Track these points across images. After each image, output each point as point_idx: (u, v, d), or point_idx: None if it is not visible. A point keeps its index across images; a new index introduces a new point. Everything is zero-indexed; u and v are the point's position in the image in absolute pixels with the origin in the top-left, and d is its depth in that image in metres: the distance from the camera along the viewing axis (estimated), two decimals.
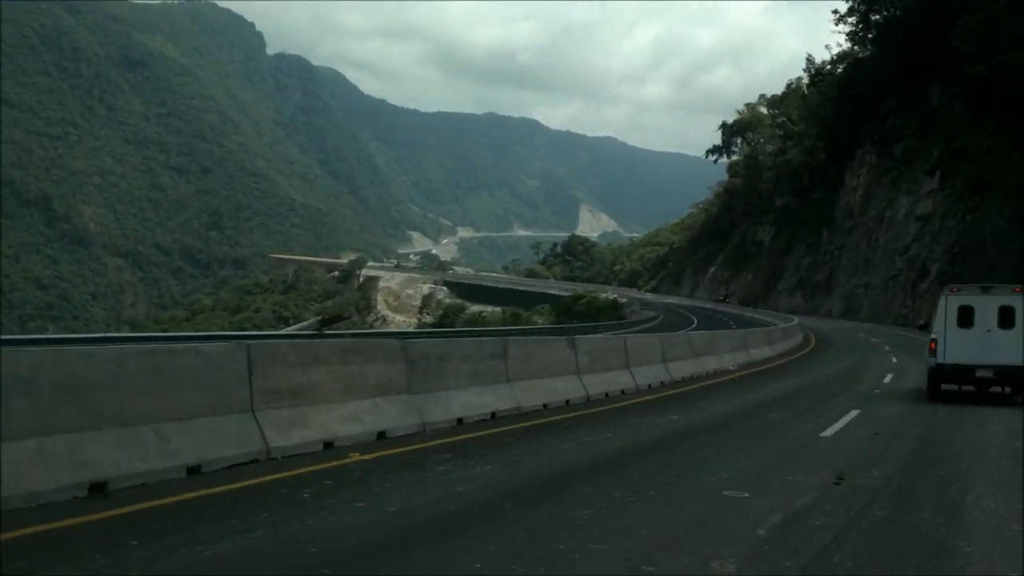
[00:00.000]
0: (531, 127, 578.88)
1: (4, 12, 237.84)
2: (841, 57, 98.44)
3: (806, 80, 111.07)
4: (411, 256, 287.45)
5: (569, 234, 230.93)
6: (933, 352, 18.20)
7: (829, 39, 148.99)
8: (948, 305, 18.26)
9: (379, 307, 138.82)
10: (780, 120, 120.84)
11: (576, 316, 75.17)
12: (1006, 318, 17.71)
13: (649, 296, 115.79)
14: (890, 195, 73.24)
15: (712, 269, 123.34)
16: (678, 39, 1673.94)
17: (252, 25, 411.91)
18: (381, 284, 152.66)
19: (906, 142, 73.97)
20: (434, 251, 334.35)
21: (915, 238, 65.50)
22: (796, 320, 53.85)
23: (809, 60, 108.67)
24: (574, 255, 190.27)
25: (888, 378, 24.54)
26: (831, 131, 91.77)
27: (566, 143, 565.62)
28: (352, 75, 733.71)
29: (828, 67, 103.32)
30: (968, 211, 57.37)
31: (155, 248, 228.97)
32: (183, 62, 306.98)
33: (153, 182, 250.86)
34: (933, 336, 18.35)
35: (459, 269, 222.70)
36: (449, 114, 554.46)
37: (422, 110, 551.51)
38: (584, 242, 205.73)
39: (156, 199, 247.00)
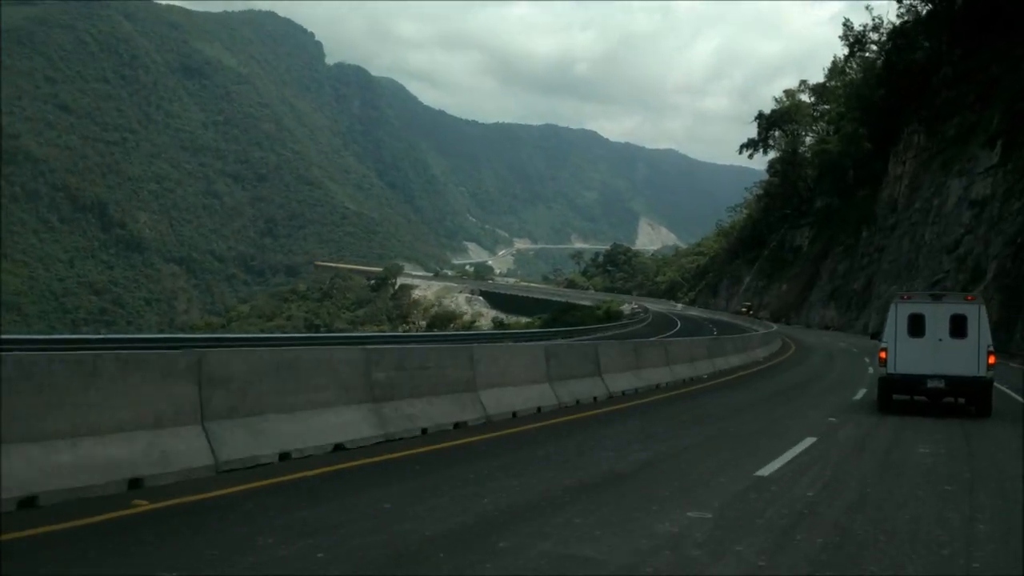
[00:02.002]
0: (590, 138, 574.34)
1: (63, 17, 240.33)
2: (890, 33, 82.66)
3: (844, 51, 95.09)
4: (466, 267, 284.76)
5: (611, 244, 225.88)
6: (883, 362, 17.77)
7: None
8: (898, 313, 17.70)
9: (413, 316, 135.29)
10: (821, 108, 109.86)
11: (565, 323, 74.87)
12: (958, 327, 17.23)
13: (678, 307, 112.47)
14: (939, 180, 61.23)
15: (747, 279, 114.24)
16: (740, 49, 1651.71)
17: (311, 35, 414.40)
18: (416, 293, 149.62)
19: (961, 117, 61.97)
20: (489, 262, 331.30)
21: (968, 229, 53.59)
22: (775, 327, 55.63)
23: (847, 26, 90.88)
24: (616, 265, 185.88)
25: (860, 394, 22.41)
26: (875, 113, 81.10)
27: (625, 155, 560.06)
28: (411, 86, 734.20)
29: (870, 34, 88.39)
30: None
31: (209, 255, 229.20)
32: (241, 70, 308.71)
33: (208, 189, 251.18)
34: (883, 345, 17.78)
35: (499, 279, 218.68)
36: (507, 125, 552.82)
37: (480, 121, 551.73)
38: (626, 252, 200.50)
39: (211, 206, 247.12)
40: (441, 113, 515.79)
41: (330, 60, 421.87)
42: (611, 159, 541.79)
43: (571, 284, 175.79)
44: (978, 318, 17.19)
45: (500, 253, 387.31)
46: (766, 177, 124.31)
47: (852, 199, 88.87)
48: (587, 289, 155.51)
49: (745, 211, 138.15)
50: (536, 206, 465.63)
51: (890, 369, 17.60)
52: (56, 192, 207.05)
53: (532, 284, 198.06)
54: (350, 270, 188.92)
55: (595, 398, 17.24)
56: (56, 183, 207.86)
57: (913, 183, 68.82)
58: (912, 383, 17.61)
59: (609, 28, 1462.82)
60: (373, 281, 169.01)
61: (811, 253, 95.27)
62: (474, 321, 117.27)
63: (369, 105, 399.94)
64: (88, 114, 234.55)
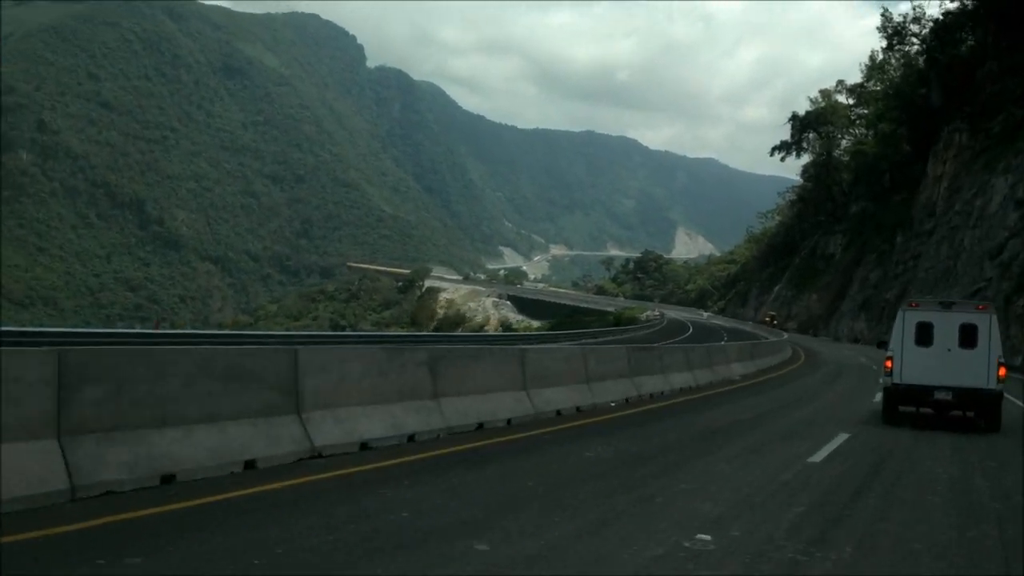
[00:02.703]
0: (629, 146, 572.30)
1: (106, 15, 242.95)
2: (932, 27, 77.65)
3: (883, 44, 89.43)
4: (500, 271, 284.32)
5: (642, 251, 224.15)
6: (889, 371, 17.06)
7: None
8: (906, 321, 16.99)
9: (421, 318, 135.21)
10: (858, 112, 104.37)
11: (571, 326, 74.63)
12: (968, 337, 16.44)
13: (704, 316, 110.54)
14: (982, 180, 56.26)
15: (777, 288, 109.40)
16: (783, 59, 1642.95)
17: (353, 38, 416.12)
18: (443, 296, 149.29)
19: (1007, 113, 57.66)
20: (524, 268, 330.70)
21: (1013, 233, 48.56)
22: (785, 336, 54.30)
23: (885, 17, 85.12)
24: (646, 272, 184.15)
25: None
26: (915, 111, 76.19)
27: (664, 163, 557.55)
28: (452, 91, 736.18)
29: (910, 25, 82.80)
30: None
31: (245, 254, 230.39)
32: (282, 72, 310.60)
33: (246, 189, 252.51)
34: (889, 354, 17.09)
35: (528, 284, 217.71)
36: (546, 131, 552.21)
37: (520, 126, 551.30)
38: (657, 259, 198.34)
39: (248, 206, 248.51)
40: (480, 118, 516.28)
41: (371, 63, 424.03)
42: (650, 167, 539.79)
43: (600, 291, 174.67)
44: (989, 328, 16.39)
45: (535, 259, 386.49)
46: (801, 183, 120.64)
47: (888, 204, 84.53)
48: (616, 296, 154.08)
49: (777, 217, 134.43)
50: (573, 213, 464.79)
51: (896, 379, 16.87)
52: (95, 188, 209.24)
53: (560, 289, 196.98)
54: (379, 271, 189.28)
55: (627, 399, 17.57)
56: (96, 179, 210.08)
57: (953, 184, 64.34)
58: (918, 394, 16.83)
59: (651, 36, 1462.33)
60: (401, 283, 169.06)
61: (843, 261, 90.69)
62: (483, 325, 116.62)
63: (409, 108, 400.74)
64: (129, 112, 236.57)
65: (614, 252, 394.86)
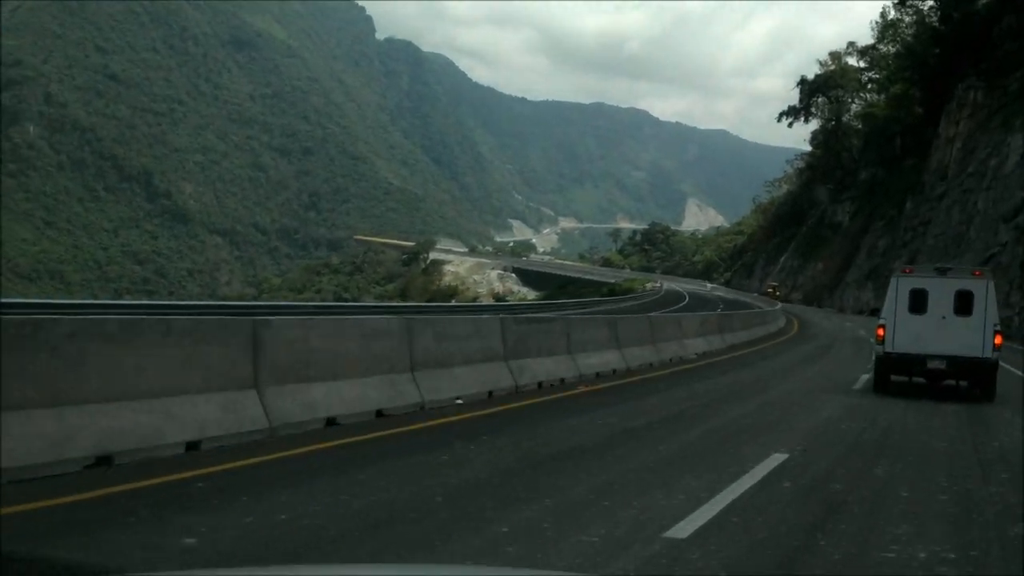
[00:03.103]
0: (640, 118, 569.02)
1: None
2: None
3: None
4: (509, 244, 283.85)
5: (650, 223, 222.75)
6: (881, 340, 16.46)
7: None
8: (899, 288, 16.57)
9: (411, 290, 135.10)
10: (869, 76, 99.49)
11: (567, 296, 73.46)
12: (964, 304, 16.02)
13: (708, 287, 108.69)
14: (997, 139, 53.79)
15: (783, 258, 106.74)
16: (796, 31, 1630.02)
17: (362, 9, 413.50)
18: (448, 268, 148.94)
19: None
20: (533, 240, 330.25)
21: None
22: (778, 307, 52.85)
23: None
24: (654, 244, 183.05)
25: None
26: (928, 71, 73.52)
27: (676, 135, 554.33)
28: (462, 63, 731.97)
29: None
30: None
31: (252, 227, 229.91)
32: (291, 44, 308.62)
33: (254, 162, 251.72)
34: (881, 322, 16.59)
35: (535, 257, 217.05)
36: (556, 103, 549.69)
37: (530, 99, 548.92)
38: (664, 231, 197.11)
39: (256, 179, 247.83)
40: (490, 90, 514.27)
41: (380, 35, 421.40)
42: (661, 139, 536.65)
43: (607, 263, 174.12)
44: (985, 295, 15.96)
45: (545, 231, 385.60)
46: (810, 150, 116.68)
47: (899, 169, 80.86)
48: (623, 268, 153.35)
49: (785, 186, 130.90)
50: (583, 185, 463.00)
51: (888, 347, 16.36)
52: (103, 161, 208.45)
53: (567, 262, 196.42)
54: (384, 244, 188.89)
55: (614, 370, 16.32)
56: (103, 152, 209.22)
57: (967, 145, 61.28)
58: (911, 363, 16.45)
59: (663, 8, 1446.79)
60: (406, 256, 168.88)
61: (851, 229, 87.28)
62: (476, 297, 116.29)
63: (418, 81, 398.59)
64: (137, 84, 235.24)
65: (624, 224, 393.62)
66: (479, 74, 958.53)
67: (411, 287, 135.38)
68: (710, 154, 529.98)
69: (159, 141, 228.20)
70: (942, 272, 16.99)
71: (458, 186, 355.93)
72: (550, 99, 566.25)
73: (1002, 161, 51.66)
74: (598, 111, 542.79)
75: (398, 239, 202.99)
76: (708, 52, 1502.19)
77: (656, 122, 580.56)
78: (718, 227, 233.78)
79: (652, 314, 30.79)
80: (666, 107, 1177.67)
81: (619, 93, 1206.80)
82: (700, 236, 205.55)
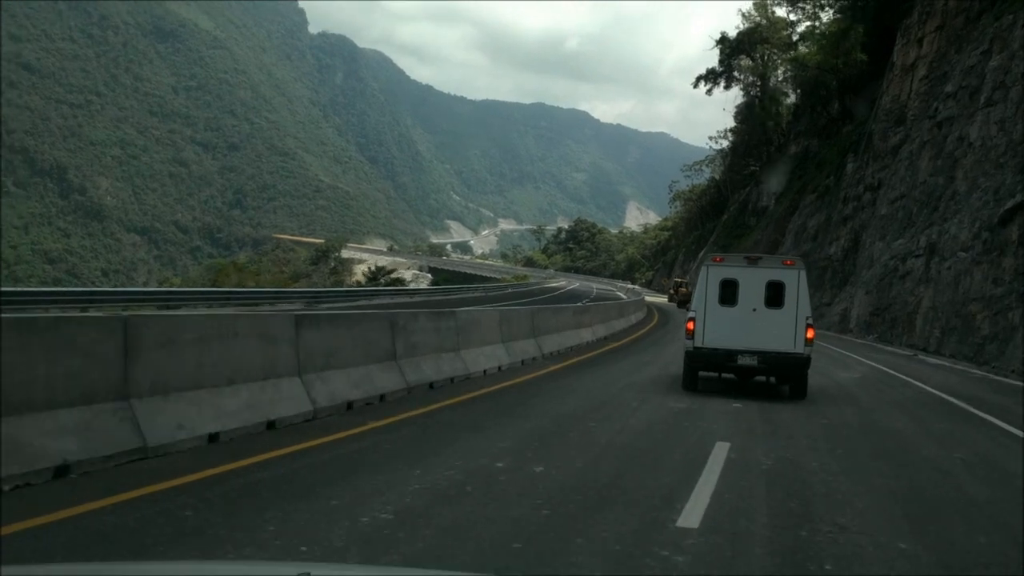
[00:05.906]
0: (581, 119, 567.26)
1: None
2: None
3: None
4: (446, 245, 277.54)
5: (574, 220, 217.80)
6: (690, 334, 15.24)
7: None
8: (709, 278, 15.31)
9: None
10: (804, 25, 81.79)
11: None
12: (775, 295, 14.98)
13: (617, 285, 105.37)
14: (989, 34, 34.81)
15: (702, 253, 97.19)
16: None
17: (295, 2, 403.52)
18: (359, 267, 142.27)
19: None
20: (471, 242, 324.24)
21: None
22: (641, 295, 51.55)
23: None
24: (579, 243, 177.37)
25: None
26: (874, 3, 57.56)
27: (617, 137, 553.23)
28: (400, 60, 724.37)
29: None
30: None
31: (173, 225, 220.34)
32: (217, 35, 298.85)
33: (176, 156, 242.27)
34: (691, 315, 15.41)
35: (454, 257, 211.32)
36: (496, 102, 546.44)
37: (469, 98, 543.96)
38: (590, 228, 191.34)
39: (178, 174, 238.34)
40: (429, 88, 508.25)
41: (313, 29, 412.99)
42: (602, 141, 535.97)
43: (529, 262, 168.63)
44: (797, 285, 15.02)
45: (483, 233, 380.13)
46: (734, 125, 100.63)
47: (836, 137, 67.22)
48: (545, 268, 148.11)
49: (706, 169, 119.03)
50: (524, 186, 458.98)
51: (697, 343, 15.23)
52: (13, 154, 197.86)
53: (486, 262, 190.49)
54: (295, 242, 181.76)
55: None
56: (13, 145, 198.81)
57: (935, 70, 42.37)
58: (721, 359, 15.28)
59: (602, 7, 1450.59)
60: (316, 253, 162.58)
61: (777, 213, 73.52)
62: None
63: (353, 77, 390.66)
64: (52, 74, 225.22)
65: (564, 226, 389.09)
66: (418, 72, 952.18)
67: (317, 286, 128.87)
68: (651, 157, 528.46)
69: (74, 134, 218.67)
70: (752, 261, 15.80)
71: (394, 185, 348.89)
72: (490, 98, 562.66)
73: (1006, 61, 32.10)
74: (539, 111, 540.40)
75: (313, 238, 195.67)
76: (649, 52, 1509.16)
77: (597, 124, 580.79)
78: (645, 224, 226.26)
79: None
80: (608, 109, 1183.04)
81: (560, 94, 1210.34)
82: (627, 234, 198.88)
